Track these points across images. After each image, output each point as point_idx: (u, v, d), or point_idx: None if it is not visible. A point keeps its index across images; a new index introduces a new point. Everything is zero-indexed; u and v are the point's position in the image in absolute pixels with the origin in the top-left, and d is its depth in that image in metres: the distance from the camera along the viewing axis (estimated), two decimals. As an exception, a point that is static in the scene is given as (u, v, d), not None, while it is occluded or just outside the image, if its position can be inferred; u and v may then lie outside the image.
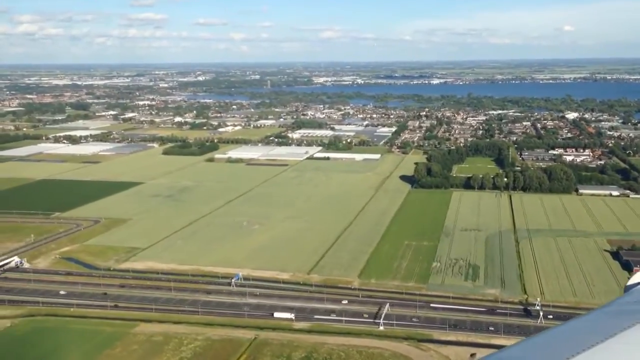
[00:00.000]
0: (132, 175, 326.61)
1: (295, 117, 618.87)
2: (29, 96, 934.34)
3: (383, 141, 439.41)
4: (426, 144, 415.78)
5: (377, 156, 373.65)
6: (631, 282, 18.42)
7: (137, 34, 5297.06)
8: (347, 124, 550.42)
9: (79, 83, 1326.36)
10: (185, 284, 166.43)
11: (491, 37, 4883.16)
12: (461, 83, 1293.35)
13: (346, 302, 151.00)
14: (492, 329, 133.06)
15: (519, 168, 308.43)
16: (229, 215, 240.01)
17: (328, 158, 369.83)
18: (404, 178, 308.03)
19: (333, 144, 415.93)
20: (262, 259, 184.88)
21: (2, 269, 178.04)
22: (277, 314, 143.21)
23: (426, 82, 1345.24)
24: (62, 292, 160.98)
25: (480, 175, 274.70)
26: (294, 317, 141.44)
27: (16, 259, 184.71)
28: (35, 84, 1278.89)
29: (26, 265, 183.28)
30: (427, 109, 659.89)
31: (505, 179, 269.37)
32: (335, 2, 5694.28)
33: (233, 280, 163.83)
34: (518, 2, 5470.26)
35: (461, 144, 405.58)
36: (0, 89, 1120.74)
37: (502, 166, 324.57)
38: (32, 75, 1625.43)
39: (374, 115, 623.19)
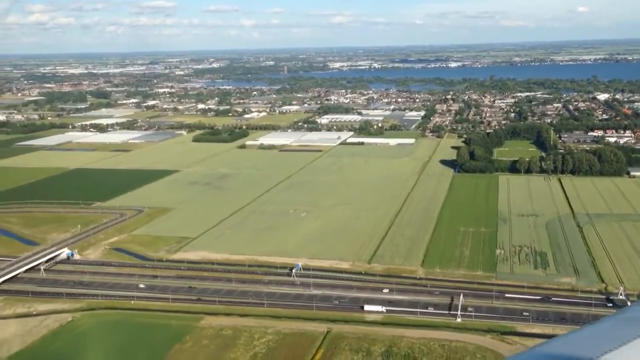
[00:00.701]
0: (166, 163, 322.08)
1: (319, 102, 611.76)
2: (47, 85, 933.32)
3: (414, 125, 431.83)
4: (459, 128, 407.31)
5: (412, 141, 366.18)
6: None
7: (148, 22, 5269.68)
8: (373, 109, 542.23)
9: (95, 72, 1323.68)
10: (243, 274, 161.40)
11: (503, 20, 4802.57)
12: (480, 66, 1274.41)
13: (386, 290, 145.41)
14: (579, 320, 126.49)
15: (562, 150, 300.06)
16: (273, 203, 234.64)
17: (362, 143, 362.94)
18: (444, 162, 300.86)
19: (364, 129, 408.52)
20: (317, 248, 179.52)
21: (53, 261, 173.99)
22: (367, 307, 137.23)
23: (444, 65, 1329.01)
24: (141, 286, 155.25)
25: (527, 159, 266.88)
26: (385, 310, 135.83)
27: (66, 250, 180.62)
28: (51, 73, 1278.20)
29: (77, 256, 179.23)
30: (451, 92, 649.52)
31: (553, 162, 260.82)
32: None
33: (294, 271, 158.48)
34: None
35: (495, 127, 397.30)
36: (17, 78, 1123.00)
37: (544, 149, 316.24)
38: (46, 64, 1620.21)
39: (399, 100, 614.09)
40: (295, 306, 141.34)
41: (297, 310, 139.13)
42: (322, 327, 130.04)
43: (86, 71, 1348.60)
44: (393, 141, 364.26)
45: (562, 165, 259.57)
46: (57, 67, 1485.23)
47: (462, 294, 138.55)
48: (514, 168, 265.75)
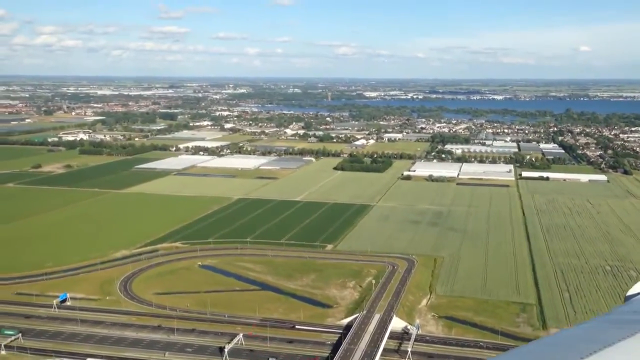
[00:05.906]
0: (340, 195, 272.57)
1: (416, 130, 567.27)
2: (95, 105, 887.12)
3: (573, 159, 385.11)
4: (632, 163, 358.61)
5: (603, 177, 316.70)
6: (631, 292, 16.48)
7: (155, 47, 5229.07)
8: (492, 140, 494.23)
9: (125, 93, 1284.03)
10: None
11: (504, 57, 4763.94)
12: (527, 99, 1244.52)
13: None
14: None
15: None
16: (560, 255, 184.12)
17: (547, 178, 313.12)
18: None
19: (526, 162, 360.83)
20: None
21: (403, 341, 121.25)
22: None
23: (489, 97, 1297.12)
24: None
25: None
26: None
27: (398, 320, 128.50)
28: (84, 93, 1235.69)
29: (419, 330, 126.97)
30: (552, 124, 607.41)
31: None
32: (353, 19, 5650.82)
33: None
34: (532, 23, 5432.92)
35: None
36: (50, 98, 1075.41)
37: None
38: (62, 85, 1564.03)
39: (504, 130, 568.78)
40: None
41: None
42: None
43: (116, 92, 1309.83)
44: (584, 177, 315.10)
45: None
46: (79, 88, 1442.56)
47: None
48: None
